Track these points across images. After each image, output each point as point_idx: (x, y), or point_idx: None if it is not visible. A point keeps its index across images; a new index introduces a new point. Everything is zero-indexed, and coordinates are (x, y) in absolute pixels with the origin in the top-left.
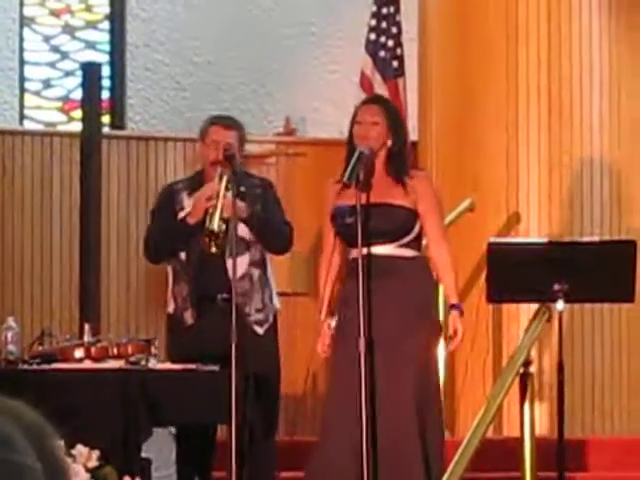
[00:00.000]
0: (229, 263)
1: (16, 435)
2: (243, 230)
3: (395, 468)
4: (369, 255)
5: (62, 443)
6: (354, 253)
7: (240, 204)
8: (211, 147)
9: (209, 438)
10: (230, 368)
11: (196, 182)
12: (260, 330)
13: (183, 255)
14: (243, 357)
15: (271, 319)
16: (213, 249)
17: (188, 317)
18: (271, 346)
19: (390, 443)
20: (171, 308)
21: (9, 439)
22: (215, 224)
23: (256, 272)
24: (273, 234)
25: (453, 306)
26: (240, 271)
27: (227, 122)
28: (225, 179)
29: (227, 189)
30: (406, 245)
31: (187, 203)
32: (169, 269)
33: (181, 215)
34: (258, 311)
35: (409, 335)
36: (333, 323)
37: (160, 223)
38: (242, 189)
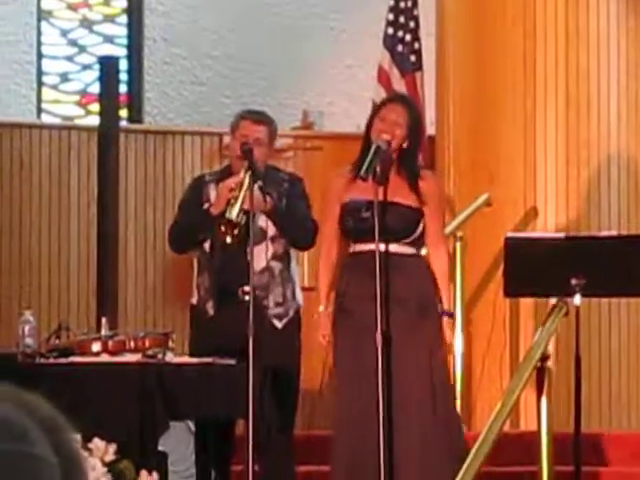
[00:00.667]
0: (249, 256)
1: (32, 428)
2: (266, 224)
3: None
4: (372, 251)
5: (78, 437)
6: (357, 247)
7: (260, 197)
8: (239, 141)
9: (227, 432)
10: (245, 362)
11: (225, 175)
12: (279, 324)
13: (207, 246)
14: (260, 350)
15: (291, 313)
16: (228, 239)
17: (209, 308)
18: (290, 340)
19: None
20: (195, 299)
21: (25, 432)
22: (234, 214)
23: (278, 266)
24: (296, 229)
25: (443, 312)
26: (261, 264)
27: (257, 117)
28: (250, 172)
29: (254, 183)
30: (409, 243)
31: (213, 195)
32: (195, 260)
33: (206, 206)
34: (278, 305)
35: (413, 332)
36: (316, 316)
37: (187, 214)
38: (260, 183)
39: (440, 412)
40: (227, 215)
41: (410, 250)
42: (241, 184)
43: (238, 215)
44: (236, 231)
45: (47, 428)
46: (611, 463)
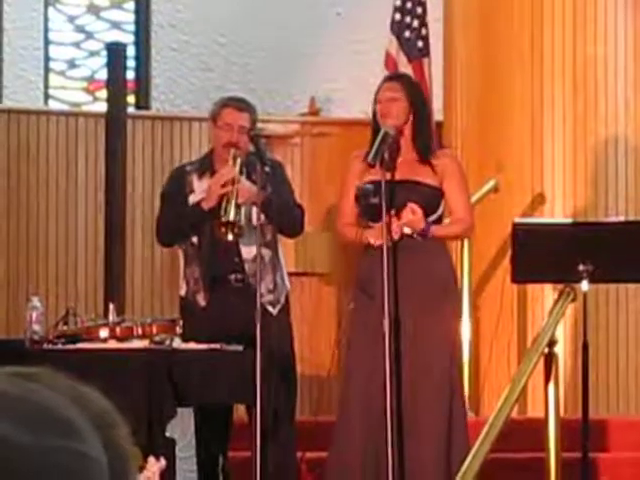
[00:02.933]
0: (242, 245)
1: (82, 423)
2: (255, 212)
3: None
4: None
5: (128, 433)
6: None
7: (254, 189)
8: (223, 129)
9: (226, 418)
10: (250, 348)
11: (206, 164)
12: (274, 311)
13: (194, 238)
14: (262, 338)
15: (283, 300)
16: (230, 237)
17: (200, 299)
18: (285, 326)
19: (413, 421)
20: (183, 291)
21: (74, 427)
22: (231, 214)
23: (267, 253)
24: (286, 218)
25: (427, 224)
26: (252, 253)
27: (240, 105)
28: (239, 162)
29: (241, 173)
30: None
31: (197, 186)
32: (180, 252)
33: (193, 199)
34: (270, 292)
35: (432, 315)
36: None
37: (172, 207)
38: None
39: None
40: (225, 216)
41: None
42: (232, 178)
43: (236, 213)
44: (237, 229)
45: (99, 424)
46: (618, 449)
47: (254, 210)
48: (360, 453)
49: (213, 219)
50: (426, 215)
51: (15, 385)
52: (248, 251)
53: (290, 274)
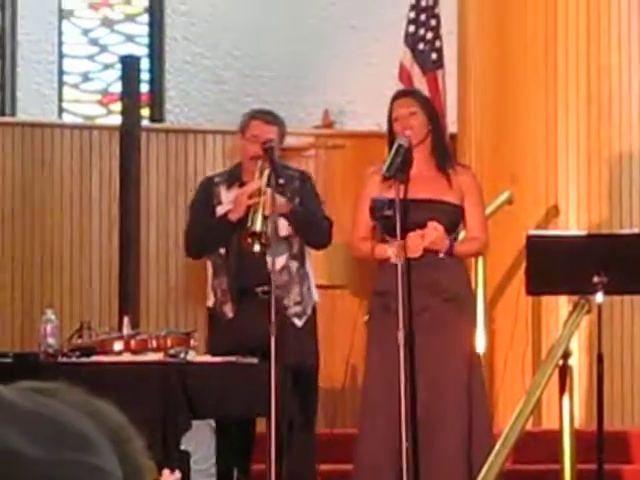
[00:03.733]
0: (269, 257)
1: (97, 437)
2: (282, 224)
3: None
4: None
5: (143, 447)
6: None
7: (281, 200)
8: (251, 142)
9: (249, 431)
10: (268, 361)
11: (234, 176)
12: (299, 323)
13: (222, 249)
14: (283, 350)
15: (309, 312)
16: (257, 248)
17: (228, 310)
18: (310, 338)
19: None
20: (211, 302)
21: (89, 441)
22: (258, 225)
23: (294, 265)
24: (313, 230)
25: (451, 243)
26: (279, 264)
27: (268, 117)
28: (266, 174)
29: (268, 185)
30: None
31: (225, 197)
32: (208, 263)
33: (220, 211)
34: (297, 304)
35: (447, 329)
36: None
37: (200, 219)
38: (281, 181)
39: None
40: (252, 227)
41: None
42: (259, 190)
43: (262, 224)
44: (263, 239)
45: (114, 438)
46: (634, 461)
47: (281, 221)
48: (384, 463)
49: (240, 230)
50: (448, 233)
51: (29, 399)
52: (275, 262)
53: None
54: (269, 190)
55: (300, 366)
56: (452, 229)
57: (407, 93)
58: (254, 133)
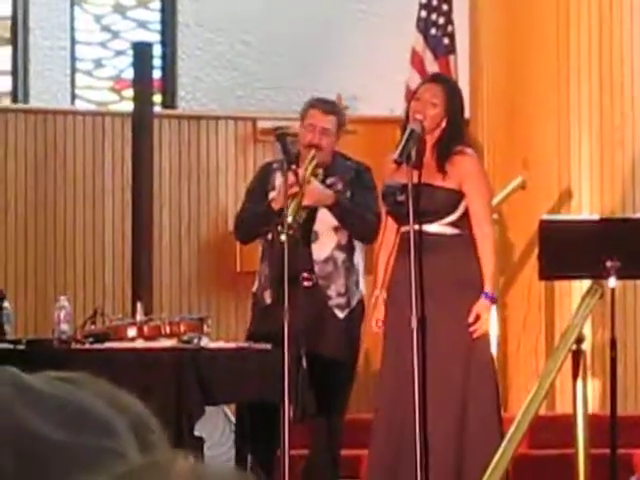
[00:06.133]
0: (314, 246)
1: (119, 425)
2: (328, 214)
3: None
4: (420, 232)
5: (165, 437)
6: (404, 230)
7: (325, 191)
8: (307, 129)
9: (273, 416)
10: (296, 349)
11: (290, 162)
12: (341, 314)
13: (269, 235)
14: (318, 340)
15: (354, 304)
16: (282, 237)
17: (267, 297)
18: (351, 330)
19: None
20: (255, 287)
21: (111, 428)
22: (290, 215)
23: (341, 256)
24: (357, 223)
25: (485, 294)
26: (324, 254)
27: (326, 107)
28: (314, 163)
29: (314, 175)
30: (451, 224)
31: (278, 182)
32: (260, 247)
33: (271, 197)
34: (340, 295)
35: (454, 312)
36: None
37: (252, 203)
38: (321, 176)
39: (476, 393)
40: (287, 217)
41: (451, 230)
42: (302, 179)
43: (295, 216)
44: (291, 232)
45: (136, 428)
46: None
47: (328, 213)
48: (394, 451)
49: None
50: (443, 217)
51: (53, 386)
52: (320, 253)
53: None
54: (313, 180)
55: (337, 357)
56: (445, 213)
57: (439, 80)
58: (310, 121)
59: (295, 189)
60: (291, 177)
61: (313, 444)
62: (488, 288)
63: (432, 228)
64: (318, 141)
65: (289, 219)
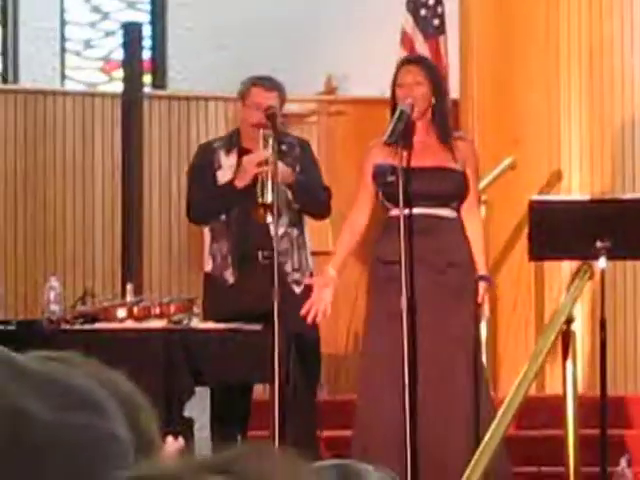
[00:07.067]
0: (271, 223)
1: (109, 403)
2: (283, 192)
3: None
4: (411, 215)
5: (154, 416)
6: (395, 211)
7: (286, 169)
8: (252, 109)
9: (244, 397)
10: (270, 327)
11: (233, 141)
12: (297, 290)
13: (223, 215)
14: (283, 316)
15: (306, 279)
16: (269, 219)
17: (229, 276)
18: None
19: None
20: (209, 267)
21: (101, 406)
22: (269, 196)
23: (294, 232)
24: (313, 200)
25: (482, 277)
26: (280, 230)
27: (269, 84)
28: (271, 143)
29: (275, 153)
30: (451, 207)
31: (224, 162)
32: (206, 229)
33: (221, 176)
34: (296, 270)
35: (450, 295)
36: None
37: (201, 183)
38: (284, 147)
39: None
40: (263, 199)
41: (450, 214)
42: (267, 159)
43: (273, 195)
44: (275, 210)
45: (126, 406)
46: (637, 426)
47: (287, 191)
48: (387, 429)
49: (245, 197)
50: (455, 200)
51: (44, 365)
52: (277, 229)
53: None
54: (276, 159)
55: (301, 333)
56: (459, 196)
57: (415, 61)
58: (255, 100)
59: (264, 168)
60: (259, 157)
61: (291, 426)
62: (484, 272)
63: (431, 211)
64: (265, 120)
65: (268, 200)
